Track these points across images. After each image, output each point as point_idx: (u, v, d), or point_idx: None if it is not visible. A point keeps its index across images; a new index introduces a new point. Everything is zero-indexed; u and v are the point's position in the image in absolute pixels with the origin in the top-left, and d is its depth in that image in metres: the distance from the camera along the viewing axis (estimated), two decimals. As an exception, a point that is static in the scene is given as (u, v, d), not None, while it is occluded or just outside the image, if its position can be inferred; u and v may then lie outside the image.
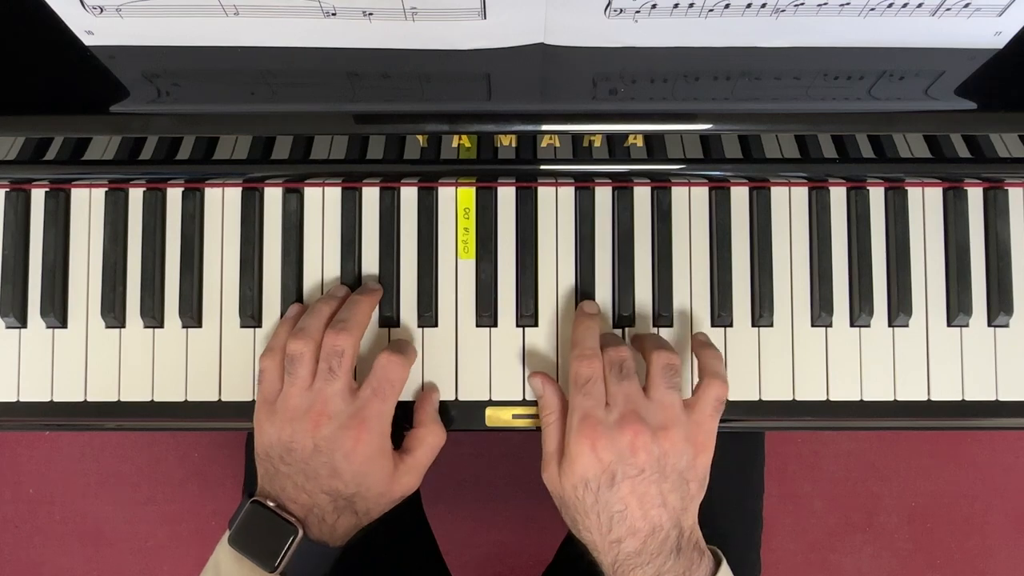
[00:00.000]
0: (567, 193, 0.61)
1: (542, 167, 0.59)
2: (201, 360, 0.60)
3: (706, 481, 0.54)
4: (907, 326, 0.61)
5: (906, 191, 0.61)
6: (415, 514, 0.79)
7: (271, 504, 0.53)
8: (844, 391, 0.60)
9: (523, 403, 0.60)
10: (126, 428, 0.61)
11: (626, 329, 0.61)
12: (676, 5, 0.49)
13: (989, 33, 0.51)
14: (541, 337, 0.60)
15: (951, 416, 0.60)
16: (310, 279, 0.61)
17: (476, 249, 0.61)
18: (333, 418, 0.53)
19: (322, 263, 0.61)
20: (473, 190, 0.61)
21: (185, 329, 0.61)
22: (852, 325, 0.61)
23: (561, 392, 0.57)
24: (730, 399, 0.60)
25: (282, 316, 0.60)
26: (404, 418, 0.58)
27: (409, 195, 0.61)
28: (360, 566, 0.65)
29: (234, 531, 0.53)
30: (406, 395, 0.59)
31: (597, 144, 0.57)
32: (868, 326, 0.61)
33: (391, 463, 0.55)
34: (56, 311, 0.60)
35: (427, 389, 0.60)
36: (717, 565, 0.53)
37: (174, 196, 0.61)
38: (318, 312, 0.57)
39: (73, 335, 0.61)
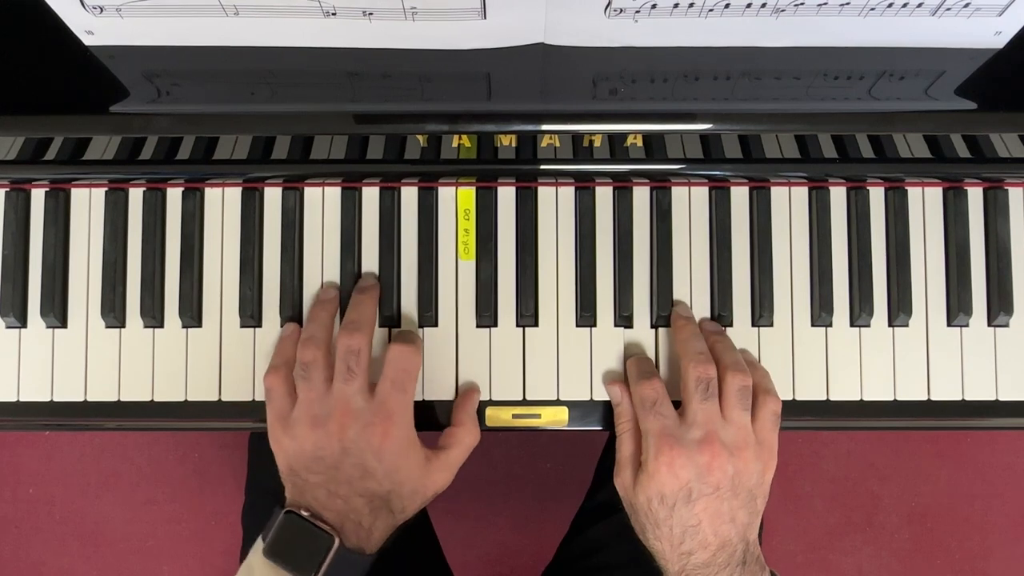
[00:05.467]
0: (567, 193, 0.61)
1: (542, 167, 0.59)
2: (201, 360, 0.60)
3: (768, 496, 0.55)
4: (907, 326, 0.61)
5: (906, 191, 0.61)
6: (418, 513, 0.79)
7: (305, 514, 0.52)
8: (844, 391, 0.60)
9: (523, 403, 0.60)
10: (126, 428, 0.61)
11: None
12: (676, 5, 0.49)
13: (989, 33, 0.51)
14: (541, 337, 0.60)
15: (951, 416, 0.60)
16: (310, 279, 0.61)
17: (476, 249, 0.61)
18: (357, 417, 0.53)
19: (322, 263, 0.61)
20: (473, 190, 0.61)
21: (185, 329, 0.61)
22: (852, 325, 0.61)
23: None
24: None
25: (281, 316, 0.60)
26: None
27: (409, 195, 0.61)
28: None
29: (269, 542, 0.52)
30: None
31: (597, 144, 0.57)
32: (868, 326, 0.61)
33: (421, 454, 0.55)
34: (56, 311, 0.60)
35: (469, 389, 0.60)
36: None
37: (174, 196, 0.61)
38: (318, 319, 0.57)
39: (73, 335, 0.61)
